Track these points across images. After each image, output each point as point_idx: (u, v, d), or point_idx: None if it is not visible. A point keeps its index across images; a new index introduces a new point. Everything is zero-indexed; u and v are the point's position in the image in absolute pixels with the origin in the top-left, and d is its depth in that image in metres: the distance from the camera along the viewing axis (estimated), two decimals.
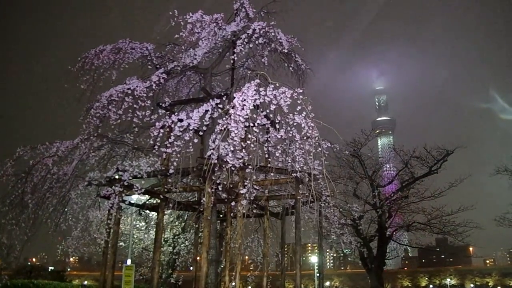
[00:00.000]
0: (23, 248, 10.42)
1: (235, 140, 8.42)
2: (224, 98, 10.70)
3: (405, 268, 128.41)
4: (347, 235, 17.30)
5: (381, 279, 21.78)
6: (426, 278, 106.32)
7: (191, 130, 9.58)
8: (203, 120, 9.66)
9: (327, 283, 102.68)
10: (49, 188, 10.40)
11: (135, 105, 10.44)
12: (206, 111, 9.62)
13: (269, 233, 12.44)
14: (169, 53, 12.29)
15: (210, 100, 9.79)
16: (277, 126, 9.56)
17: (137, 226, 20.06)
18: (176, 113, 10.41)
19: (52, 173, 10.47)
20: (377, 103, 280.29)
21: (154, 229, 13.97)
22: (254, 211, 12.21)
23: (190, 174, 11.17)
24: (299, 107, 8.66)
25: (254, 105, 8.65)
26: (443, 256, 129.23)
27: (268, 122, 9.39)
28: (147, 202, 13.15)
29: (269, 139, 10.51)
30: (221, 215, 13.55)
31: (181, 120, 9.57)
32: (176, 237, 19.17)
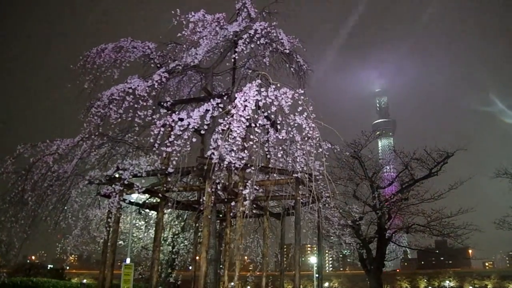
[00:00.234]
0: (22, 245, 10.41)
1: (237, 140, 8.43)
2: (225, 98, 10.70)
3: (401, 270, 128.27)
4: (347, 236, 17.31)
5: (380, 281, 21.78)
6: (425, 280, 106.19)
7: (192, 129, 9.58)
8: (204, 120, 9.65)
9: (326, 284, 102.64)
10: (49, 186, 10.40)
11: (136, 105, 10.43)
12: (207, 110, 9.62)
13: (268, 234, 12.43)
14: (171, 52, 12.29)
15: (211, 100, 9.79)
16: (278, 127, 9.54)
17: (137, 225, 20.07)
18: (177, 112, 10.40)
19: (52, 171, 10.47)
20: (377, 105, 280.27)
21: (154, 228, 13.98)
22: (254, 211, 12.20)
23: (190, 174, 11.17)
24: (300, 108, 8.65)
25: (255, 105, 8.65)
26: (442, 258, 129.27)
27: (269, 122, 9.39)
28: (147, 201, 13.15)
29: (269, 139, 10.51)
30: (220, 215, 13.54)
31: (181, 119, 9.56)
32: (175, 237, 19.18)
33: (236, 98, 8.55)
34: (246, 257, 15.69)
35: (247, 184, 9.54)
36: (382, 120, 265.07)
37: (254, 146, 8.79)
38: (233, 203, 9.92)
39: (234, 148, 8.64)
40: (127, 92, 10.39)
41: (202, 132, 11.28)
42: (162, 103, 11.70)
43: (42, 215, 10.44)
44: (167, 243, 19.41)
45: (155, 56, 12.15)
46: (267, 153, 10.85)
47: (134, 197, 14.07)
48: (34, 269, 36.69)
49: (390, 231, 22.45)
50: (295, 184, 10.22)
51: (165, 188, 11.41)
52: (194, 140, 9.74)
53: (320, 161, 9.07)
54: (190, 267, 17.58)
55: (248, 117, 8.42)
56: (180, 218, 19.02)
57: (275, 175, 10.85)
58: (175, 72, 11.30)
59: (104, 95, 10.60)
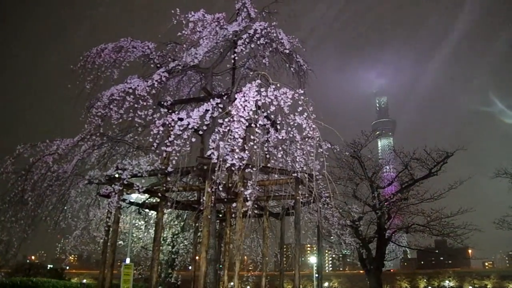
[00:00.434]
0: (21, 245, 10.42)
1: (238, 141, 8.43)
2: (224, 98, 10.69)
3: (401, 270, 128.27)
4: (347, 236, 17.30)
5: (380, 280, 21.78)
6: (425, 280, 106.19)
7: (191, 129, 9.58)
8: (204, 120, 9.66)
9: (326, 284, 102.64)
10: (48, 186, 10.41)
11: (136, 105, 10.43)
12: (207, 110, 9.62)
13: (268, 233, 12.44)
14: (171, 52, 12.29)
15: (211, 100, 9.79)
16: (278, 127, 9.54)
17: (137, 225, 20.06)
18: (176, 112, 10.40)
19: (52, 171, 10.47)
20: (377, 105, 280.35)
21: (154, 228, 13.97)
22: (254, 211, 12.20)
23: (190, 174, 11.17)
24: (300, 108, 8.65)
25: (255, 106, 8.65)
26: (442, 258, 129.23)
27: (269, 122, 9.39)
28: (146, 201, 13.15)
29: (269, 139, 10.51)
30: (220, 215, 13.54)
31: (181, 119, 9.56)
32: (175, 236, 19.18)
33: (236, 98, 8.55)
34: (246, 257, 15.70)
35: (248, 184, 9.54)
36: (382, 120, 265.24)
37: (255, 147, 8.78)
38: (234, 204, 9.92)
39: (236, 150, 8.63)
40: (127, 92, 10.39)
41: (201, 132, 11.29)
42: (162, 103, 11.70)
43: (42, 215, 10.45)
44: (167, 243, 19.41)
45: (155, 56, 12.14)
46: (266, 153, 10.85)
47: (134, 197, 14.07)
48: (34, 269, 36.62)
49: (390, 231, 22.46)
50: (295, 184, 10.22)
51: (164, 188, 11.41)
52: (194, 140, 9.75)
53: (319, 161, 9.07)
54: (190, 267, 17.58)
55: (248, 117, 8.42)
56: (180, 218, 19.01)
57: (274, 175, 10.85)
58: (175, 72, 11.30)
59: (104, 95, 10.60)
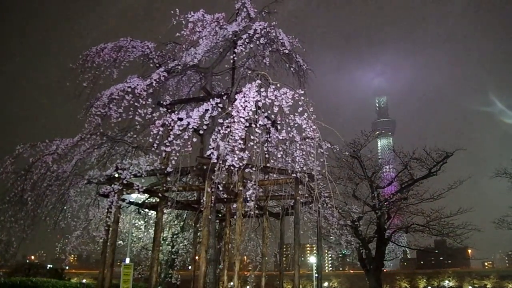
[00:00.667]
0: (20, 245, 10.43)
1: (239, 142, 8.43)
2: (224, 98, 10.69)
3: (401, 270, 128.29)
4: (347, 236, 17.30)
5: (380, 280, 21.77)
6: (425, 280, 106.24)
7: (191, 129, 9.58)
8: (203, 120, 9.65)
9: (326, 284, 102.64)
10: (48, 186, 10.40)
11: (135, 103, 10.43)
12: (206, 110, 9.62)
13: (268, 233, 12.43)
14: (170, 52, 12.30)
15: (210, 100, 9.79)
16: (278, 127, 9.53)
17: (136, 224, 20.05)
18: (176, 112, 10.40)
19: (51, 171, 10.47)
20: (377, 105, 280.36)
21: (153, 228, 13.97)
22: (255, 211, 12.20)
23: (189, 173, 11.16)
24: (300, 108, 8.65)
25: (255, 106, 8.65)
26: (441, 258, 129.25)
27: (269, 122, 9.39)
28: (146, 201, 13.15)
29: (269, 139, 10.51)
30: (220, 215, 13.54)
31: (181, 119, 9.56)
32: (175, 236, 19.19)
33: (236, 99, 8.55)
34: (245, 257, 15.70)
35: (248, 184, 9.54)
36: (382, 120, 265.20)
37: (255, 147, 8.79)
38: (234, 205, 9.93)
39: (236, 151, 8.63)
40: (126, 91, 10.39)
41: (201, 132, 11.28)
42: (161, 103, 11.70)
43: (41, 215, 10.44)
44: (167, 243, 19.41)
45: (154, 56, 12.14)
46: (266, 153, 10.85)
47: (134, 196, 14.07)
48: (34, 269, 36.57)
49: (390, 231, 22.44)
50: (295, 184, 10.22)
51: (164, 188, 11.41)
52: (194, 140, 9.75)
53: (319, 161, 9.07)
54: (190, 267, 17.58)
55: (248, 117, 8.42)
56: (180, 218, 19.02)
57: (274, 175, 10.85)
58: (175, 71, 11.30)
59: (103, 94, 10.61)
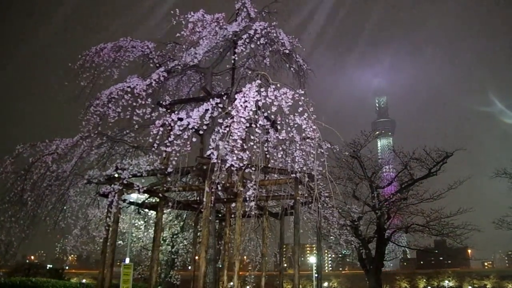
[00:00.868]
0: (20, 245, 10.42)
1: (238, 142, 8.42)
2: (224, 98, 10.68)
3: (401, 270, 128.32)
4: (347, 236, 17.31)
5: (379, 280, 21.78)
6: (424, 280, 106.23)
7: (191, 129, 9.57)
8: (203, 120, 9.65)
9: (325, 284, 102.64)
10: (48, 185, 10.40)
11: (134, 103, 10.43)
12: (206, 110, 9.61)
13: (268, 233, 12.43)
14: (170, 52, 12.29)
15: (210, 100, 9.78)
16: (278, 127, 9.53)
17: (136, 224, 20.06)
18: (176, 112, 10.39)
19: (51, 171, 10.46)
20: (377, 105, 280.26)
21: (153, 228, 13.97)
22: (255, 211, 12.19)
23: (189, 173, 11.15)
24: (300, 109, 8.65)
25: (255, 106, 8.65)
26: (441, 258, 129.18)
27: (269, 123, 9.38)
28: (146, 201, 13.14)
29: (269, 139, 10.50)
30: (220, 215, 13.54)
31: (181, 119, 9.56)
32: (175, 236, 19.19)
33: (236, 99, 8.55)
34: (245, 257, 15.70)
35: (247, 184, 9.53)
36: (381, 120, 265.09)
37: (255, 147, 8.78)
38: (233, 205, 9.92)
39: (235, 151, 8.63)
40: (125, 91, 10.39)
41: (201, 132, 11.28)
42: (161, 103, 11.69)
43: (41, 215, 10.44)
44: (167, 243, 19.42)
45: (154, 56, 12.14)
46: (266, 153, 10.85)
47: (134, 197, 14.07)
48: (33, 269, 36.59)
49: (389, 231, 22.45)
50: (294, 184, 10.22)
51: (164, 188, 11.40)
52: (194, 140, 9.74)
53: (319, 161, 9.07)
54: (190, 267, 17.59)
55: (248, 117, 8.41)
56: (180, 218, 19.02)
57: (274, 175, 10.84)
58: (175, 71, 11.29)
59: (103, 94, 10.60)
